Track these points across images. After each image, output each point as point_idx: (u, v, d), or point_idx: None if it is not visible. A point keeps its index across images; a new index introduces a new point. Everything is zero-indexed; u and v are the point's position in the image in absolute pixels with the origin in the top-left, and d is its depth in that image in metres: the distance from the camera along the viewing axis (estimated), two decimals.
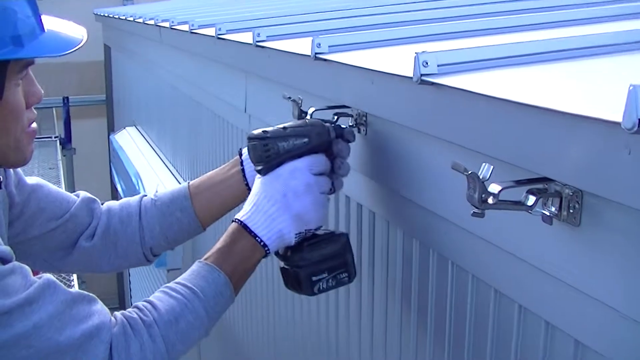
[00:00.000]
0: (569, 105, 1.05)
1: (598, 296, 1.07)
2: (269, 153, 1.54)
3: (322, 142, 1.57)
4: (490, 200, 1.10)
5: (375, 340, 1.85)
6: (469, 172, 1.10)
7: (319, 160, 1.55)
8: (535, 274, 1.20)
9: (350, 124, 1.75)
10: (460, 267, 1.44)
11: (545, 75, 1.37)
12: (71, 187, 8.71)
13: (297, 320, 2.43)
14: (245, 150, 1.66)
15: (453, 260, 1.46)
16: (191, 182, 1.76)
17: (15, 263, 1.30)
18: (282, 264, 1.59)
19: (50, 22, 1.44)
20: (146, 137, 6.09)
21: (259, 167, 1.55)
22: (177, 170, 4.85)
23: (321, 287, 1.55)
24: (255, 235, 1.49)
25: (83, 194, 1.77)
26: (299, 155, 1.54)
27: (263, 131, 1.56)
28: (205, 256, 1.50)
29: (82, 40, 1.44)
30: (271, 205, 1.50)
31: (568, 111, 1.02)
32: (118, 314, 1.38)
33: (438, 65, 1.34)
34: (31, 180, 1.68)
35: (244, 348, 3.27)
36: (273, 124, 2.49)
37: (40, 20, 1.40)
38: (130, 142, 6.32)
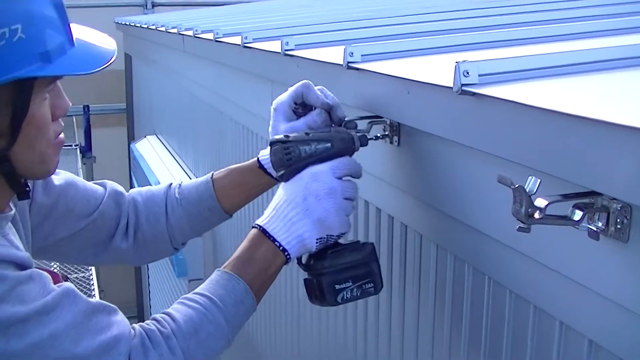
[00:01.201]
0: (618, 116, 1.01)
1: None
2: (291, 156, 1.51)
3: (346, 148, 1.54)
4: (536, 215, 1.06)
5: (406, 356, 1.81)
6: (516, 186, 1.07)
7: (343, 163, 1.52)
8: (580, 291, 1.16)
9: (378, 134, 1.71)
10: (498, 283, 1.40)
11: (591, 86, 1.33)
12: None
13: (322, 332, 2.40)
14: (264, 152, 1.66)
15: (490, 276, 1.43)
16: (215, 178, 1.73)
17: (34, 270, 1.28)
18: (305, 275, 1.55)
19: (80, 32, 1.40)
20: (167, 145, 6.09)
21: (281, 172, 1.52)
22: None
23: (345, 297, 1.51)
24: (274, 240, 1.45)
25: (110, 185, 1.74)
26: (322, 160, 1.52)
27: (285, 136, 1.55)
28: (225, 264, 1.47)
29: (113, 54, 1.40)
30: (291, 209, 1.47)
31: (617, 122, 0.99)
32: (136, 326, 1.35)
33: (479, 75, 1.30)
34: (60, 178, 1.64)
35: None
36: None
37: (70, 32, 1.35)
38: (151, 150, 6.31)
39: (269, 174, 1.67)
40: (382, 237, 1.89)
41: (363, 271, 1.53)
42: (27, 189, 1.43)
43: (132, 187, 7.35)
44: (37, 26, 1.28)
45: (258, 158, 1.69)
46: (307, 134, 1.55)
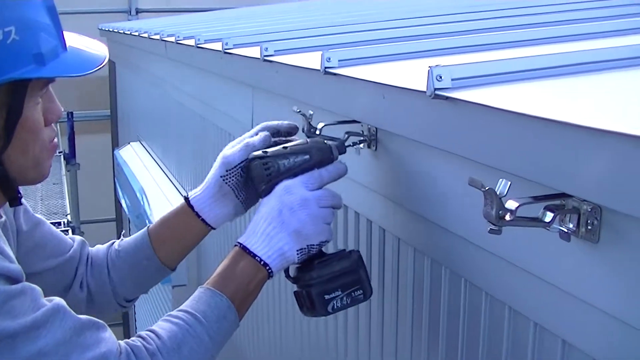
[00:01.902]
0: (588, 119, 1.03)
1: (617, 314, 1.05)
2: (270, 171, 1.52)
3: (324, 159, 1.56)
4: (507, 217, 1.07)
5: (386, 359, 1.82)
6: (486, 188, 1.08)
7: (313, 176, 1.53)
8: (552, 292, 1.18)
9: (356, 140, 1.72)
10: (474, 285, 1.41)
11: (561, 89, 1.35)
12: (75, 203, 8.70)
13: (304, 336, 2.40)
14: (191, 192, 1.67)
15: (466, 278, 1.44)
16: (150, 228, 1.72)
17: (26, 284, 1.27)
18: (295, 288, 1.56)
19: (72, 39, 1.41)
20: (151, 152, 6.08)
21: (261, 188, 1.53)
22: (182, 186, 4.83)
23: (335, 306, 1.52)
24: (255, 256, 1.46)
25: (78, 238, 1.75)
26: (302, 172, 1.53)
27: (263, 151, 1.55)
28: (207, 282, 1.47)
29: (105, 58, 1.41)
30: (268, 224, 1.48)
31: (587, 125, 1.00)
32: (122, 343, 1.35)
33: (452, 79, 1.32)
34: (33, 214, 1.67)
35: None
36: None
37: (63, 37, 1.37)
38: (134, 157, 6.31)
39: (200, 217, 1.65)
40: (361, 241, 1.90)
41: (351, 279, 1.53)
42: (19, 195, 1.43)
43: (116, 194, 7.34)
44: (31, 29, 1.30)
45: (187, 196, 1.68)
46: (284, 147, 1.55)
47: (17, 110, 1.30)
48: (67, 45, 1.38)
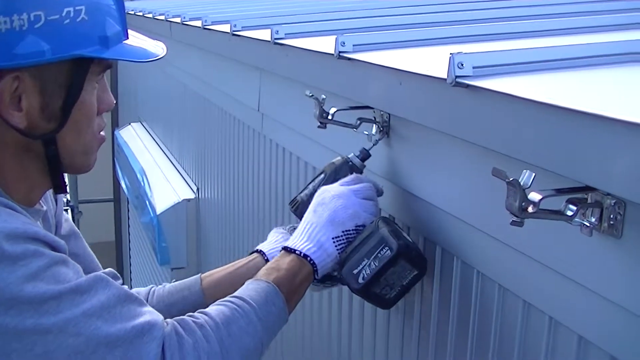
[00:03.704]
0: (614, 111, 1.00)
1: (637, 311, 1.03)
2: (297, 206, 1.70)
3: (341, 168, 1.67)
4: (530, 209, 1.05)
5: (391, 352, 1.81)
6: (510, 179, 1.05)
7: (348, 176, 1.62)
8: (569, 286, 1.16)
9: (376, 136, 1.72)
10: (487, 277, 1.39)
11: (586, 81, 1.32)
12: (74, 182, 8.67)
13: (306, 328, 2.39)
14: (261, 246, 1.72)
15: (479, 269, 1.42)
16: (204, 274, 1.71)
17: (69, 258, 1.28)
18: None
19: (134, 34, 1.44)
20: (152, 133, 6.05)
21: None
22: (183, 168, 4.81)
23: (365, 275, 1.49)
24: (296, 251, 1.51)
25: (110, 269, 1.71)
26: None
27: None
28: (253, 278, 1.49)
29: (163, 53, 1.45)
30: (306, 224, 1.56)
31: (613, 117, 0.98)
32: (168, 319, 1.34)
33: (473, 67, 1.29)
34: (71, 222, 1.66)
35: None
36: (287, 123, 2.48)
37: (126, 24, 1.40)
38: (135, 137, 6.28)
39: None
40: None
41: (373, 242, 1.50)
42: (64, 183, 1.43)
43: (115, 174, 7.30)
44: (100, 12, 1.33)
45: (261, 250, 1.70)
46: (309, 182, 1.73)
47: (76, 91, 1.32)
48: (129, 36, 1.41)
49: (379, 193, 1.63)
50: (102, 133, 1.43)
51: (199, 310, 1.39)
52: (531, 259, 1.25)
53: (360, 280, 1.49)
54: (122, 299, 1.28)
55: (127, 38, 1.40)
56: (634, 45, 1.45)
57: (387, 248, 1.48)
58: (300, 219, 1.61)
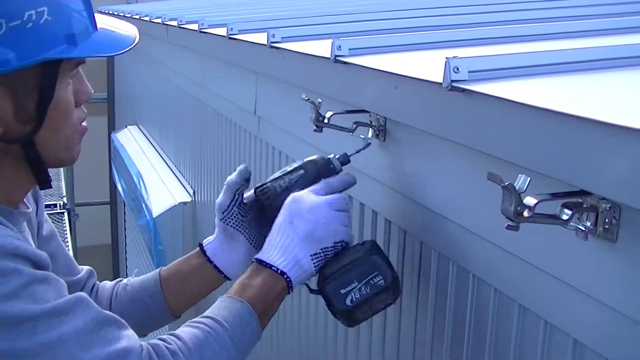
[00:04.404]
0: (609, 115, 1.00)
1: (633, 315, 1.03)
2: (267, 195, 1.59)
3: (322, 170, 1.59)
4: (525, 213, 1.06)
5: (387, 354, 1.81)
6: (506, 184, 1.06)
7: (320, 185, 1.55)
8: (564, 290, 1.16)
9: (366, 137, 1.70)
10: (483, 281, 1.40)
11: (583, 85, 1.33)
12: (70, 186, 8.66)
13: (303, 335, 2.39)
14: (205, 240, 1.68)
15: (475, 274, 1.42)
16: (163, 269, 1.70)
17: (51, 274, 1.25)
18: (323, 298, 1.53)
19: (102, 20, 1.40)
20: (148, 136, 6.05)
21: (270, 214, 1.56)
22: (179, 171, 4.81)
23: (354, 298, 1.47)
24: (272, 266, 1.46)
25: (87, 267, 1.73)
26: (301, 188, 1.55)
27: (262, 182, 1.62)
28: (227, 293, 1.46)
29: (135, 38, 1.41)
30: (281, 236, 1.48)
31: (609, 121, 0.98)
32: (143, 343, 1.32)
33: (469, 72, 1.29)
34: (50, 224, 1.65)
35: None
36: (284, 126, 2.48)
37: (93, 17, 1.36)
38: (131, 141, 6.28)
39: (212, 262, 1.65)
40: (366, 233, 1.88)
41: (366, 267, 1.48)
42: (49, 178, 1.41)
43: (112, 178, 7.31)
44: (63, 10, 1.29)
45: (201, 242, 1.68)
46: (282, 171, 1.61)
47: (49, 91, 1.29)
48: (98, 26, 1.37)
49: (352, 184, 1.60)
50: (83, 124, 1.41)
51: (171, 333, 1.36)
52: (527, 263, 1.25)
53: (349, 302, 1.48)
54: (101, 322, 1.25)
55: (96, 30, 1.36)
56: (630, 50, 1.45)
57: (380, 277, 1.48)
58: (269, 209, 1.57)
